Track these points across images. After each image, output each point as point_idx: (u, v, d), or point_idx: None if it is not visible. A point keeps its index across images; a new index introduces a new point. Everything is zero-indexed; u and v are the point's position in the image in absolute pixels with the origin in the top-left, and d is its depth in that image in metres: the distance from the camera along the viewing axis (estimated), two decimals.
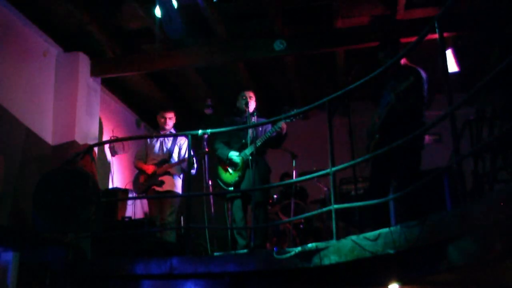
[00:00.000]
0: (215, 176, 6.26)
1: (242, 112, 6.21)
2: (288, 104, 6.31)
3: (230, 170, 6.15)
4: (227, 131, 5.97)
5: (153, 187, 6.76)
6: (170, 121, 6.97)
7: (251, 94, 6.26)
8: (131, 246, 5.69)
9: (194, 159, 6.21)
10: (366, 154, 5.05)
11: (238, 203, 6.12)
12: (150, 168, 6.79)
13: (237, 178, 6.08)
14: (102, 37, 6.86)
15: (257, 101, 6.37)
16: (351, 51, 7.20)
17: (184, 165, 6.79)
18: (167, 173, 6.83)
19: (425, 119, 5.04)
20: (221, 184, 6.18)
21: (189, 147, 5.76)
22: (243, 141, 6.15)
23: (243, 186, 6.08)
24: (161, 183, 6.75)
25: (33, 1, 6.21)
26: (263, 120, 6.18)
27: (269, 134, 5.99)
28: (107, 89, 7.89)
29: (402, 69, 5.15)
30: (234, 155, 6.11)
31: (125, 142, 7.97)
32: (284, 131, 6.06)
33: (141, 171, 6.88)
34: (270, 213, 7.20)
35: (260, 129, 6.18)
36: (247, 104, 6.09)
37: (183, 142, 6.99)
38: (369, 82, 4.58)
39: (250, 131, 6.07)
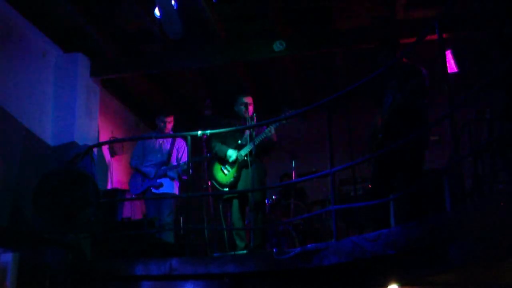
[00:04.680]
0: (210, 177, 6.26)
1: (240, 117, 6.20)
2: (287, 105, 6.31)
3: (225, 171, 6.16)
4: (223, 133, 5.97)
5: (151, 188, 6.76)
6: (169, 125, 6.97)
7: (250, 99, 6.24)
8: (130, 247, 5.69)
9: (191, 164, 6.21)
10: (369, 155, 5.04)
11: (235, 204, 6.12)
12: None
13: (232, 179, 6.08)
14: (101, 37, 6.85)
15: (256, 102, 6.36)
16: (351, 51, 7.20)
17: (179, 170, 6.81)
18: (165, 175, 6.83)
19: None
20: (216, 184, 6.18)
21: (189, 148, 5.76)
22: (239, 141, 6.16)
23: (240, 187, 6.08)
24: (160, 185, 6.75)
25: (32, 2, 6.20)
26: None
27: (266, 135, 5.98)
28: (107, 90, 7.89)
29: (404, 69, 5.12)
30: (233, 153, 6.10)
31: (124, 143, 7.97)
32: (275, 138, 6.07)
33: (139, 173, 6.88)
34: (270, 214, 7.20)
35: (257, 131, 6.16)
36: (247, 108, 6.08)
37: (181, 144, 6.99)
38: (369, 83, 4.58)
39: (247, 132, 6.07)
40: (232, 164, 6.13)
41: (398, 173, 4.92)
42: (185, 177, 6.62)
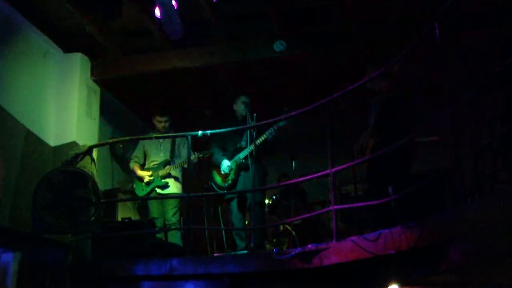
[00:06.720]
0: (209, 179, 6.27)
1: (240, 116, 6.20)
2: (288, 105, 6.30)
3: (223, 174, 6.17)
4: (222, 135, 5.97)
5: (155, 188, 6.76)
6: (166, 124, 6.97)
7: (250, 99, 6.26)
8: (131, 247, 5.70)
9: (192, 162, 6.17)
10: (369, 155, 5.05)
11: (235, 205, 6.12)
12: (146, 177, 6.78)
13: (230, 182, 6.10)
14: (101, 37, 6.85)
15: (256, 102, 6.35)
16: (351, 51, 7.19)
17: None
18: (169, 175, 6.82)
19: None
20: (215, 187, 6.20)
21: (189, 148, 5.76)
22: (238, 145, 6.17)
23: (239, 189, 6.08)
24: (166, 186, 6.75)
25: (33, 2, 6.20)
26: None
27: (268, 134, 5.98)
28: (107, 90, 7.88)
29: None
30: (225, 164, 6.09)
31: (124, 143, 7.96)
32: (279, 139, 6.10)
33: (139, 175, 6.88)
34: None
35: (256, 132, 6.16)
36: (248, 108, 6.08)
37: (181, 143, 6.99)
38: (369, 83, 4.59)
39: (247, 133, 6.07)
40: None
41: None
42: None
